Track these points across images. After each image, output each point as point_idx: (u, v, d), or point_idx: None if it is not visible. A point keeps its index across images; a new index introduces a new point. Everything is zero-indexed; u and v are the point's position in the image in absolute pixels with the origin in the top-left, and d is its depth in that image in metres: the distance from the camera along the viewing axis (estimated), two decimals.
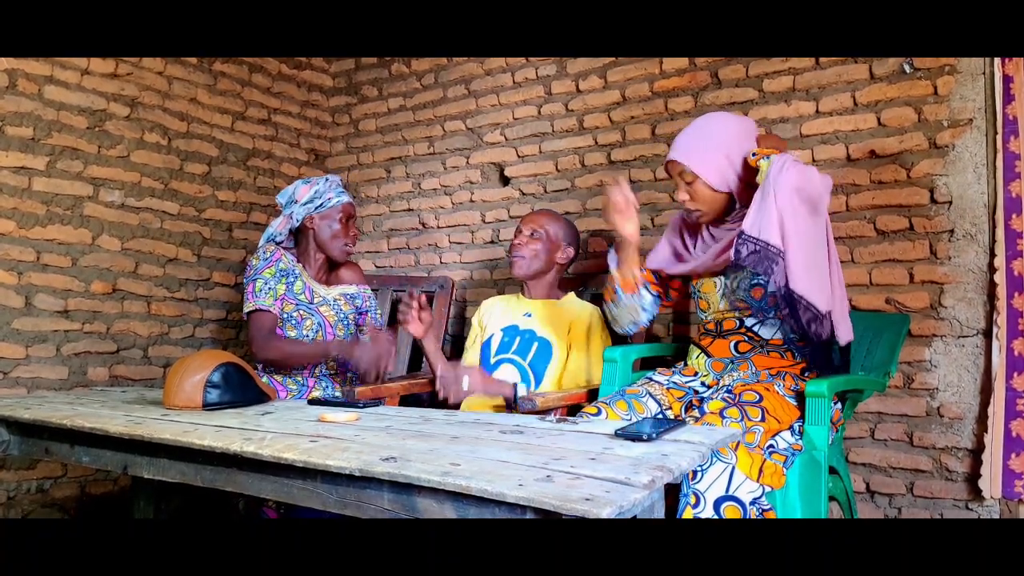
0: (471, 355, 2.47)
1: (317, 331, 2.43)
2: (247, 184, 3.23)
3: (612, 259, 2.06)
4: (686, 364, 2.04)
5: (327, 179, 2.49)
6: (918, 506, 2.20)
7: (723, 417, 1.65)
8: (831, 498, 1.90)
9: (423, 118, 3.31)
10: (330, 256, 2.50)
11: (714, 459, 1.55)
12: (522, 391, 2.14)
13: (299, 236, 2.53)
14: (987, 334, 2.11)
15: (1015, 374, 2.08)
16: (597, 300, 2.50)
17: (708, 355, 1.97)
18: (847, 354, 1.88)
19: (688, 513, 1.54)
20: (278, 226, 2.50)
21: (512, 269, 2.37)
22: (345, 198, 2.49)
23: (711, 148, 1.87)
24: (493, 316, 2.46)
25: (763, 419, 1.66)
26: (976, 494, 2.10)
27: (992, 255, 2.11)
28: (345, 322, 2.51)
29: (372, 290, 2.76)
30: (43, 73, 2.60)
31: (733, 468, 1.54)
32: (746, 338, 1.92)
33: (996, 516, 2.09)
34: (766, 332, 1.89)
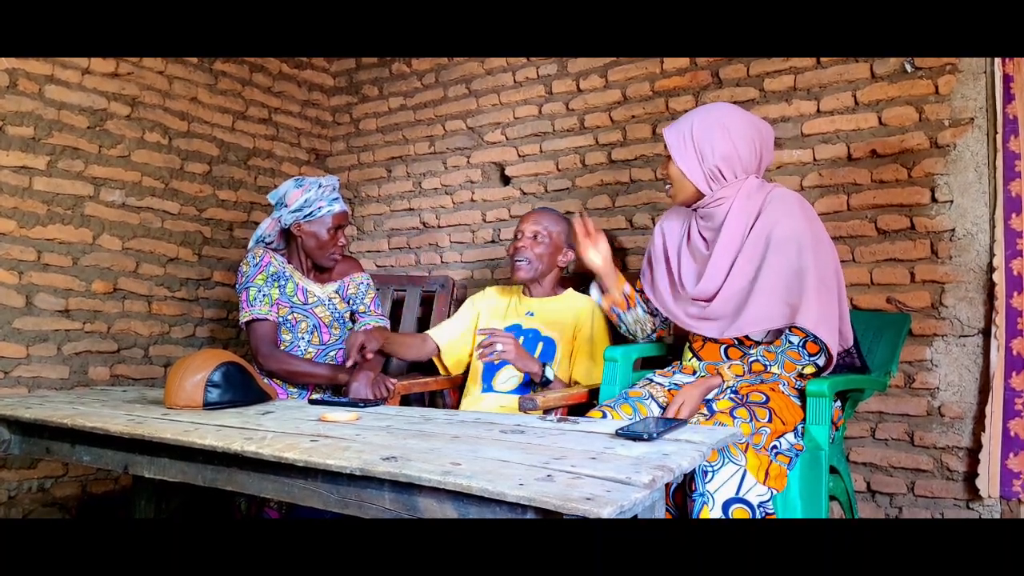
0: (450, 326, 2.48)
1: (312, 333, 2.42)
2: (248, 183, 3.23)
3: (595, 291, 2.08)
4: (683, 364, 2.04)
5: (320, 184, 2.38)
6: (919, 506, 2.20)
7: (733, 417, 1.64)
8: (832, 497, 1.90)
9: (424, 117, 3.31)
10: (316, 263, 2.44)
11: (726, 460, 1.55)
12: (550, 373, 2.16)
13: (288, 237, 2.48)
14: (987, 333, 2.11)
15: (1013, 373, 2.07)
16: None
17: (700, 359, 1.96)
18: (861, 355, 1.89)
19: (705, 513, 1.54)
20: (267, 228, 2.45)
21: (515, 273, 2.34)
22: (337, 207, 2.39)
23: (690, 138, 1.86)
24: (495, 310, 2.46)
25: (770, 420, 1.66)
26: (976, 493, 2.10)
27: (992, 255, 2.11)
28: (341, 321, 2.49)
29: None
30: (44, 72, 2.60)
31: (744, 471, 1.54)
32: (736, 343, 1.91)
33: (997, 516, 2.09)
34: (756, 335, 1.88)
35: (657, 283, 2.04)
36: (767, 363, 1.81)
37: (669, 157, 1.91)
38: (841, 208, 2.35)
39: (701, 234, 1.95)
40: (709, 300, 1.89)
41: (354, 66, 3.54)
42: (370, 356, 2.25)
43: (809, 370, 1.81)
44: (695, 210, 1.95)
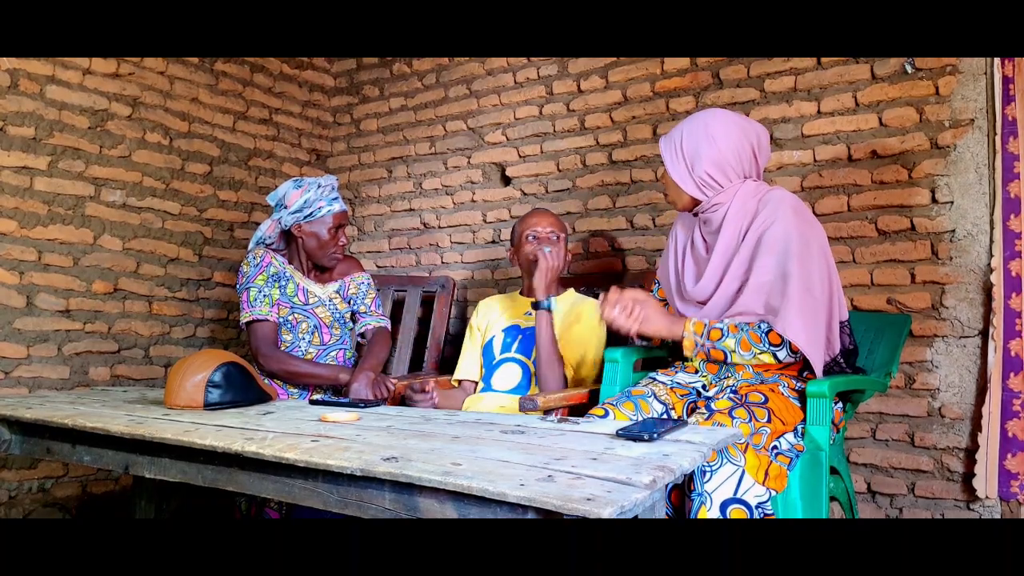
0: (469, 358, 2.46)
1: (312, 333, 2.42)
2: (248, 184, 3.23)
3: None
4: (686, 362, 2.03)
5: (319, 184, 2.38)
6: (919, 506, 2.20)
7: (732, 417, 1.64)
8: (832, 498, 1.90)
9: (424, 118, 3.31)
10: (317, 264, 2.44)
11: (724, 460, 1.55)
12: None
13: (288, 238, 2.47)
14: (986, 334, 2.11)
15: (1011, 374, 2.07)
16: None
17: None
18: (854, 365, 1.88)
19: (703, 512, 1.53)
20: (267, 229, 2.44)
21: (542, 261, 2.27)
22: (337, 207, 2.38)
23: (680, 148, 1.88)
24: (492, 317, 2.45)
25: (769, 420, 1.66)
26: (976, 494, 2.09)
27: (992, 255, 2.11)
28: (341, 321, 2.49)
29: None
30: (45, 73, 2.60)
31: (743, 471, 1.54)
32: None
33: (997, 516, 2.09)
34: None
35: (666, 282, 2.06)
36: (725, 331, 1.80)
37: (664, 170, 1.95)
38: (841, 209, 2.35)
39: (703, 238, 1.97)
40: (704, 303, 1.90)
41: (355, 66, 3.55)
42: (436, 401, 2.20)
43: (766, 358, 1.79)
44: (696, 215, 1.96)
